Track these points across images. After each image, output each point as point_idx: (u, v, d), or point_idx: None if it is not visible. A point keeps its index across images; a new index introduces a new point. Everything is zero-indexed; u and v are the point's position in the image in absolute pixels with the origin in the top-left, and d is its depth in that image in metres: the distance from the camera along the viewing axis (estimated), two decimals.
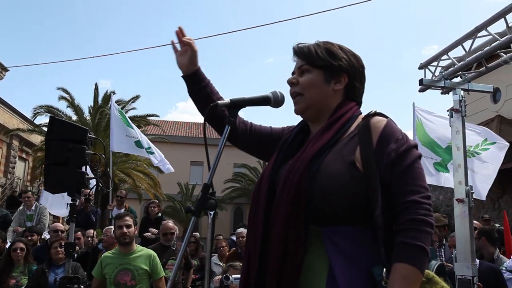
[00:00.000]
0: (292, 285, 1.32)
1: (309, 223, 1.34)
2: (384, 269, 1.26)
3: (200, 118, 1.63)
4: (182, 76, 1.75)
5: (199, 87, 1.73)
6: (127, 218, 4.03)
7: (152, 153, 8.75)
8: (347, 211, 1.31)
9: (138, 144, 8.44)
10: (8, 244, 5.98)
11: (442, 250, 4.46)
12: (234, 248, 6.67)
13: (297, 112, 1.56)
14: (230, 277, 3.59)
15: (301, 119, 1.63)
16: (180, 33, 1.73)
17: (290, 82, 1.56)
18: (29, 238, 5.85)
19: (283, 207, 1.36)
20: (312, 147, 1.43)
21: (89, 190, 6.29)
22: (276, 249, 1.35)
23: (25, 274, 4.84)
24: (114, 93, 12.58)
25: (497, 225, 8.74)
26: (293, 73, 1.58)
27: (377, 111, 1.46)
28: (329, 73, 1.50)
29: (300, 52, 1.55)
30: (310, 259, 1.34)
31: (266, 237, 1.40)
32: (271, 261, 1.36)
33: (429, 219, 1.28)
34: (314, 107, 1.52)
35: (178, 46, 1.75)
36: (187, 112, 56.81)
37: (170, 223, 5.19)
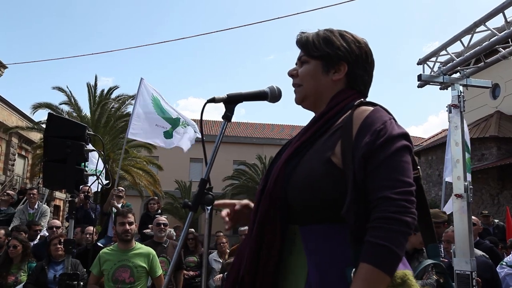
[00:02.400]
0: (266, 285, 1.31)
1: (287, 222, 1.32)
2: (354, 270, 1.18)
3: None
4: None
5: None
6: (130, 215, 4.03)
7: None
8: (322, 208, 1.27)
9: (167, 135, 7.77)
10: None
11: (441, 246, 4.46)
12: (237, 245, 6.68)
13: (296, 102, 1.54)
14: None
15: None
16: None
17: (290, 74, 1.54)
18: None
19: (263, 206, 1.36)
20: (293, 146, 1.41)
21: (87, 187, 6.29)
22: (251, 247, 1.35)
23: (25, 271, 4.86)
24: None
25: (496, 220, 8.76)
26: (296, 64, 1.56)
27: (364, 101, 1.39)
28: (327, 63, 1.46)
29: (299, 42, 1.53)
30: (291, 259, 1.33)
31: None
32: (247, 259, 1.36)
33: (402, 217, 1.15)
34: (311, 98, 1.49)
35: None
36: (188, 109, 56.93)
37: (163, 216, 5.49)
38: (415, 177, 1.28)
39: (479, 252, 4.47)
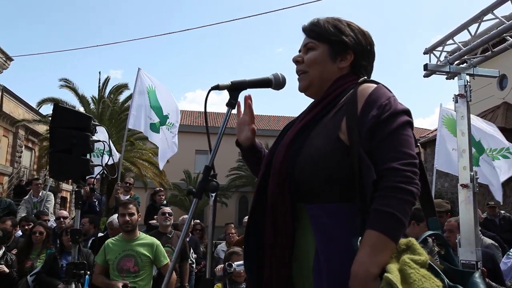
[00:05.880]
0: (284, 261, 1.34)
1: (295, 200, 1.34)
2: (360, 238, 1.21)
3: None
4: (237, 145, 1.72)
5: (253, 159, 1.70)
6: (130, 206, 4.05)
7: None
8: (329, 185, 1.29)
9: (154, 127, 7.81)
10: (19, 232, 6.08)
11: (444, 235, 4.45)
12: (242, 236, 6.71)
13: (300, 89, 1.55)
14: (233, 264, 3.59)
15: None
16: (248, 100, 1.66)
17: (295, 61, 1.55)
18: (26, 227, 5.89)
19: (271, 185, 1.39)
20: (297, 125, 1.43)
21: (93, 179, 6.31)
22: (268, 228, 1.38)
23: (41, 258, 4.96)
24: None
25: (502, 211, 8.72)
26: (299, 51, 1.57)
27: (366, 78, 1.43)
28: (335, 49, 1.48)
29: (308, 28, 1.54)
30: (300, 236, 1.36)
31: (263, 215, 1.41)
32: (266, 240, 1.38)
33: (408, 187, 1.20)
34: (317, 85, 1.50)
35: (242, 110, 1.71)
36: (196, 102, 56.77)
37: (168, 207, 5.59)
38: (416, 153, 1.32)
39: (488, 241, 4.46)
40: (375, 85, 1.37)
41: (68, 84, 18.27)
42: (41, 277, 4.56)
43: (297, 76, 1.56)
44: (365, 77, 1.42)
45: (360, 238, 1.21)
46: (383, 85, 1.39)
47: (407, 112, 1.33)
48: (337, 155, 1.29)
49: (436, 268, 1.25)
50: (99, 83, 19.08)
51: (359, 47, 1.48)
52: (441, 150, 7.49)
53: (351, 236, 1.25)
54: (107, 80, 19.16)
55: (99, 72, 18.90)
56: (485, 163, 7.21)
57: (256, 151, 1.68)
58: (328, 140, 1.31)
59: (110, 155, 3.97)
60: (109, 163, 4.09)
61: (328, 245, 1.28)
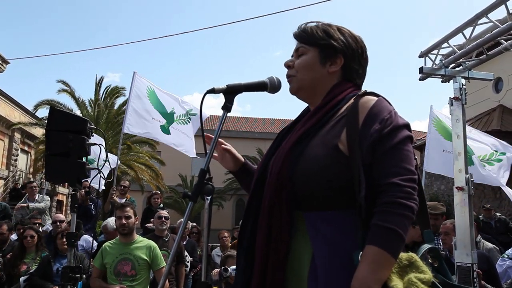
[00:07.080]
0: (278, 270, 1.33)
1: (293, 208, 1.34)
2: (361, 253, 1.21)
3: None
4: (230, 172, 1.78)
5: (247, 181, 1.70)
6: (127, 209, 4.05)
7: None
8: (329, 195, 1.30)
9: (164, 129, 7.73)
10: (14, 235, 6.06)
11: (440, 238, 4.46)
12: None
13: (291, 91, 1.56)
14: (229, 268, 3.57)
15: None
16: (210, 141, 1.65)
17: (286, 65, 1.56)
18: (21, 231, 5.87)
19: (268, 192, 1.38)
20: (297, 133, 1.43)
21: (88, 183, 6.29)
22: (262, 234, 1.37)
23: (36, 261, 4.96)
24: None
25: (498, 214, 8.76)
26: (291, 56, 1.58)
27: (368, 91, 1.43)
28: (325, 53, 1.48)
29: (298, 34, 1.55)
30: (295, 245, 1.35)
31: (256, 224, 1.41)
32: (258, 245, 1.37)
33: (408, 203, 1.22)
34: (306, 89, 1.51)
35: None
36: (193, 105, 56.58)
37: (164, 211, 5.60)
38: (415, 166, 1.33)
39: (489, 245, 4.48)
40: (376, 98, 1.38)
41: (65, 88, 18.29)
42: (34, 280, 4.57)
43: (286, 78, 1.57)
44: (366, 90, 1.43)
45: (360, 252, 1.21)
46: (383, 98, 1.40)
47: (407, 127, 1.34)
48: (336, 165, 1.29)
49: (439, 286, 1.25)
50: (95, 86, 19.14)
51: (349, 50, 1.48)
52: (431, 152, 7.51)
53: (349, 244, 1.25)
54: (101, 81, 19.18)
55: (96, 76, 18.97)
56: (477, 162, 7.24)
57: (248, 172, 1.71)
58: (328, 150, 1.32)
59: (106, 161, 3.92)
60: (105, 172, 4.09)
61: (325, 251, 1.27)
